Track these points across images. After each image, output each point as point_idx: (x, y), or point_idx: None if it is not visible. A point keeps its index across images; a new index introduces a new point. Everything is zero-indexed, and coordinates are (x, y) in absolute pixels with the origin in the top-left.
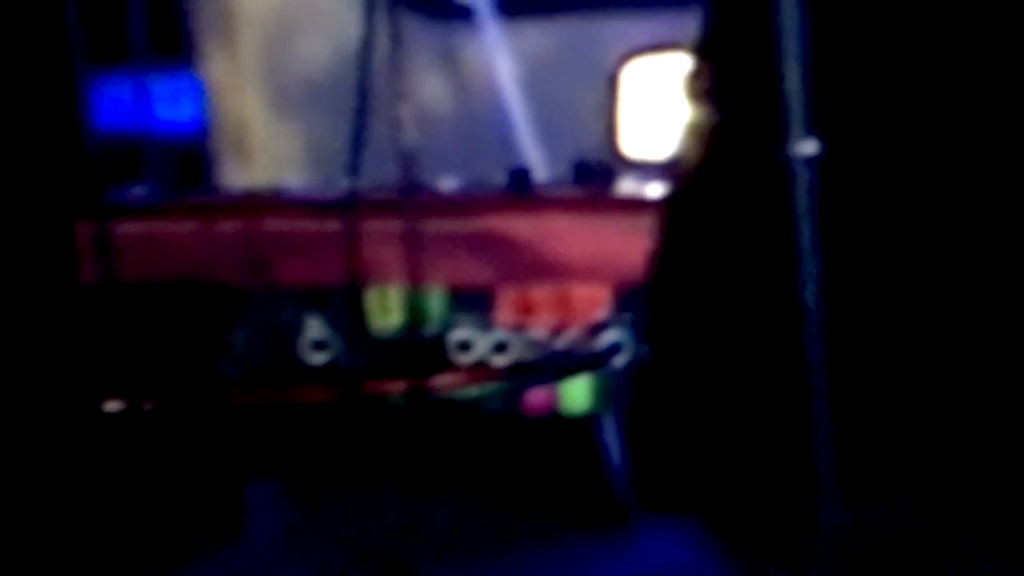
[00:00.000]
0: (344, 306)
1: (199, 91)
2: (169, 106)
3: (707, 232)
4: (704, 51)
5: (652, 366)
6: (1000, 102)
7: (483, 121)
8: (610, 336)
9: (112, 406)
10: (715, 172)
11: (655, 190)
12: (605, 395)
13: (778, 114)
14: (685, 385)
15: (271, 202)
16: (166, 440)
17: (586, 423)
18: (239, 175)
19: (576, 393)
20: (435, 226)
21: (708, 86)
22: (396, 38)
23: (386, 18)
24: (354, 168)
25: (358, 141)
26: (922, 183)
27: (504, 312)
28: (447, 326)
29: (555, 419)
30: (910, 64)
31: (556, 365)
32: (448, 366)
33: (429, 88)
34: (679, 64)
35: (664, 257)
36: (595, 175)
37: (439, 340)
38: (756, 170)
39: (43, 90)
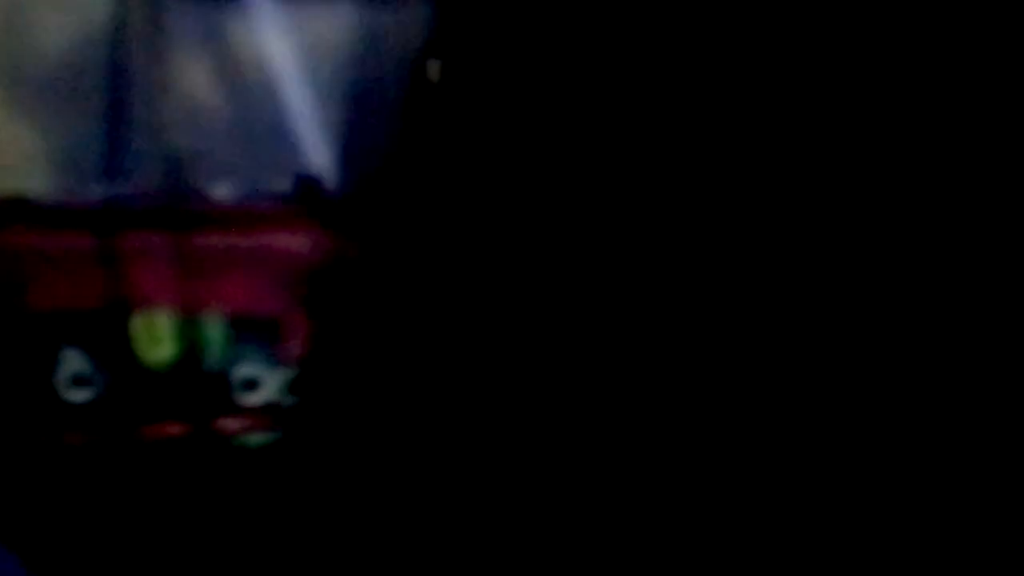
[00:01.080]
0: (106, 335)
1: None
2: None
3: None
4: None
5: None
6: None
7: (262, 118)
8: None
9: None
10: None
11: None
12: None
13: (523, 123)
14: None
15: (12, 212)
16: None
17: None
18: None
19: None
20: (208, 241)
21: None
22: (154, 18)
23: None
24: (110, 172)
25: (113, 140)
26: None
27: (296, 346)
28: (230, 360)
29: None
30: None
31: None
32: (233, 408)
33: (196, 78)
34: None
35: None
36: None
37: (222, 376)
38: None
39: None
